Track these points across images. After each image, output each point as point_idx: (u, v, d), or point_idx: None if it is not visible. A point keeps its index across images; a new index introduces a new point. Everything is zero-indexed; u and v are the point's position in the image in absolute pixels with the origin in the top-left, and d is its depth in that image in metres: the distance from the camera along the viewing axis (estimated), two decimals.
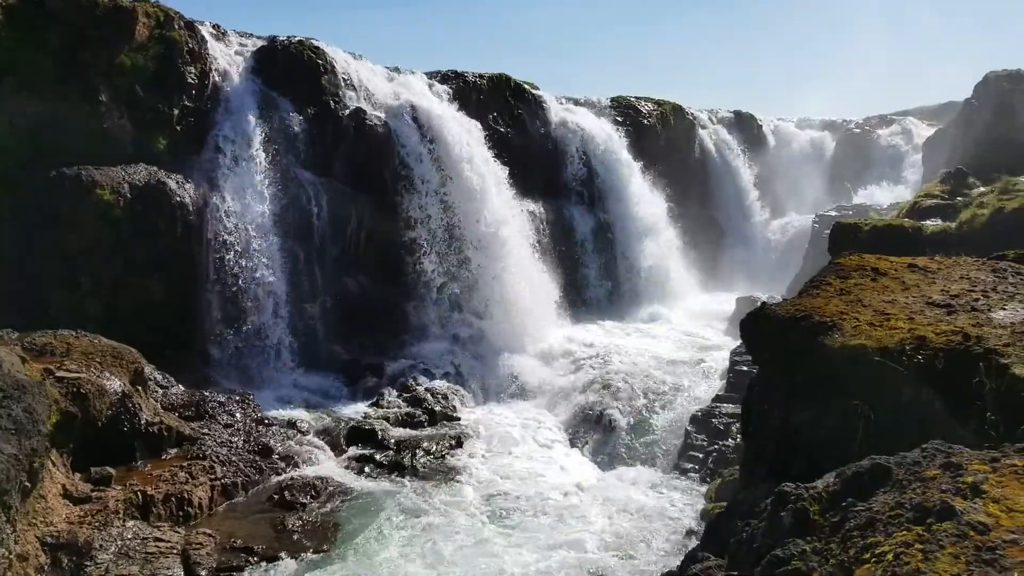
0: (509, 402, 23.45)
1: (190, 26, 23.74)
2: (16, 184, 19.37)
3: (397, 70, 29.93)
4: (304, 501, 15.81)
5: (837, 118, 57.24)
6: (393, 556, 14.06)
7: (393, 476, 17.67)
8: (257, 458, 16.98)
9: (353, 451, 18.71)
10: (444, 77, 31.02)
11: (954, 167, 30.78)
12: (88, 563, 12.38)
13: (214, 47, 24.68)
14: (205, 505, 15.05)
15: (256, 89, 24.81)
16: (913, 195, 32.39)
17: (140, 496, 14.18)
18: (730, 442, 18.35)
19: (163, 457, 15.90)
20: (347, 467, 17.99)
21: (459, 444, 19.55)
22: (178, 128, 22.88)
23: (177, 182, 21.51)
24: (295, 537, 14.51)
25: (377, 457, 18.37)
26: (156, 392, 17.86)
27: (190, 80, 23.27)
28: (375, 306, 25.25)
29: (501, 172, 28.29)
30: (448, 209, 26.69)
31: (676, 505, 16.64)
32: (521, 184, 29.32)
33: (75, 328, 17.09)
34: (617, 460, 19.66)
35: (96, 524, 13.14)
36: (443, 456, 18.83)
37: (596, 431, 21.08)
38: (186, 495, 14.77)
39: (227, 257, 21.98)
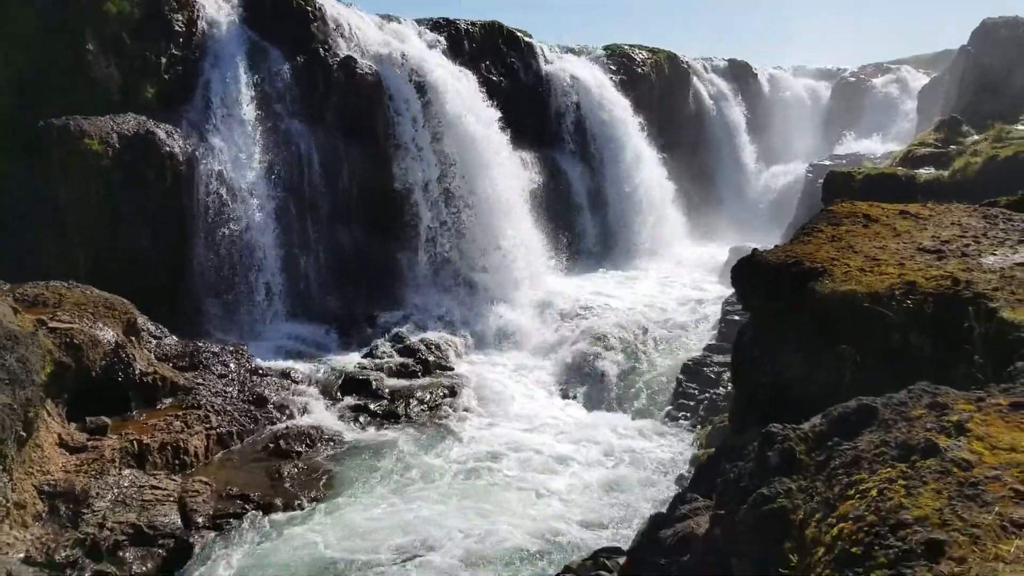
0: (502, 352, 23.56)
1: None
2: (2, 135, 19.14)
3: (388, 17, 29.48)
4: (299, 450, 15.94)
5: (833, 66, 56.79)
6: (387, 504, 14.23)
7: (387, 425, 17.81)
8: (252, 408, 17.07)
9: (347, 401, 18.82)
10: (436, 25, 30.57)
11: (948, 115, 30.64)
12: (85, 511, 12.51)
13: None
14: (201, 454, 15.17)
15: (245, 37, 24.44)
16: (907, 144, 32.27)
17: (136, 445, 14.28)
18: (721, 391, 18.53)
19: (158, 407, 15.98)
20: (341, 417, 18.11)
21: (453, 394, 19.67)
22: (166, 77, 22.57)
23: (167, 132, 21.28)
24: (290, 485, 14.66)
25: (371, 407, 18.49)
26: (149, 343, 17.88)
27: (177, 28, 22.90)
28: (368, 258, 25.20)
29: (494, 121, 28.03)
30: (441, 160, 26.51)
31: (667, 452, 16.84)
32: (514, 134, 29.08)
33: (66, 279, 17.03)
34: (609, 409, 19.83)
35: (92, 473, 13.25)
36: (437, 405, 18.97)
37: (588, 380, 21.24)
38: (182, 444, 14.87)
39: (218, 208, 21.85)
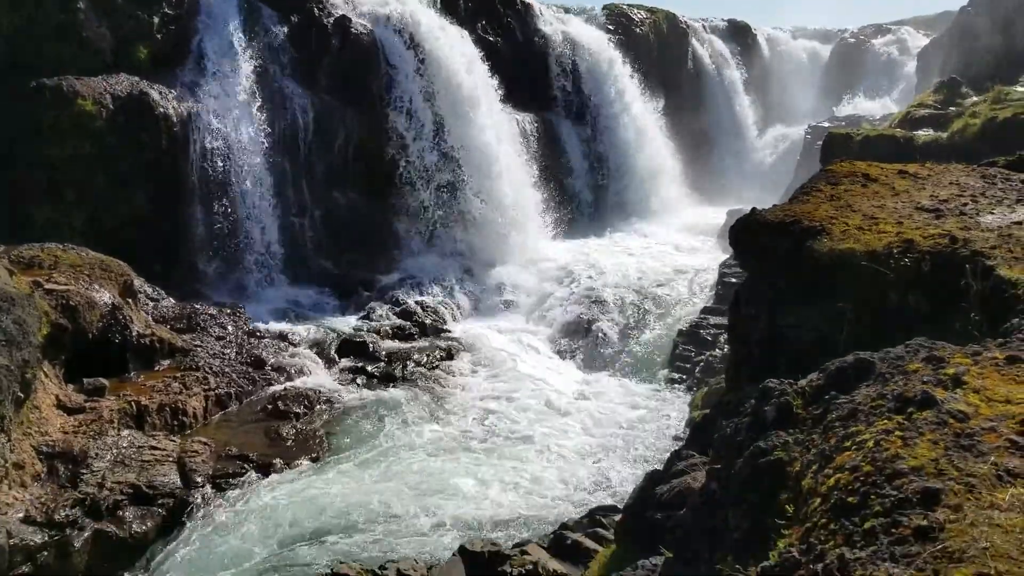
0: (499, 315, 23.59)
1: None
2: None
3: None
4: (297, 411, 16.01)
5: (832, 27, 56.30)
6: (385, 463, 14.33)
7: (384, 387, 17.87)
8: (250, 369, 17.12)
9: (345, 363, 18.87)
10: None
11: (948, 77, 30.43)
12: (84, 471, 12.58)
13: None
14: (199, 415, 15.23)
15: None
16: (907, 106, 32.08)
17: (134, 406, 14.33)
18: (717, 352, 18.60)
19: (156, 368, 16.01)
20: (339, 379, 18.18)
21: (449, 356, 19.73)
22: (159, 37, 22.30)
23: (160, 93, 21.07)
24: (289, 445, 14.75)
25: (368, 369, 18.55)
26: (147, 305, 17.86)
27: None
28: (365, 221, 25.11)
29: (490, 83, 27.79)
30: (437, 121, 26.31)
31: (663, 413, 16.95)
32: (510, 95, 28.86)
33: (61, 241, 16.97)
34: (605, 371, 19.90)
35: (91, 433, 13.31)
36: (434, 368, 19.02)
37: (585, 343, 21.29)
38: (180, 405, 14.93)
39: (213, 170, 21.70)
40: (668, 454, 12.27)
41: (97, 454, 12.94)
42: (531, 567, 8.66)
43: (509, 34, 31.78)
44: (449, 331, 21.70)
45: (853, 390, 4.37)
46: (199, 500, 12.72)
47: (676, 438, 14.99)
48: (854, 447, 3.72)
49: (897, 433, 3.67)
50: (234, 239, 22.12)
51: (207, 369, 16.41)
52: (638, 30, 38.30)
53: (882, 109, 42.34)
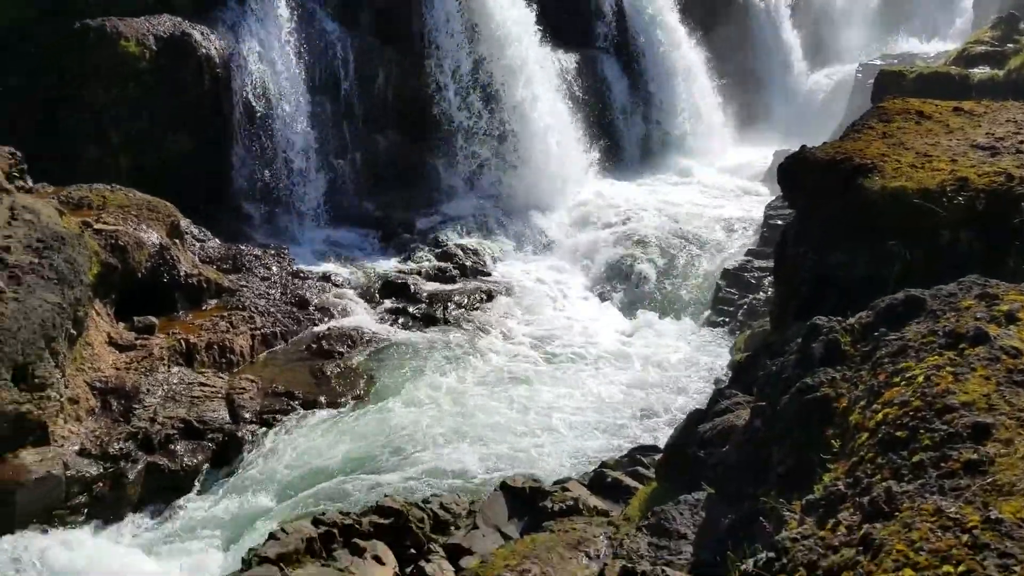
0: (539, 257, 23.51)
1: None
2: (36, 37, 19.07)
3: None
4: (341, 350, 16.24)
5: None
6: (428, 401, 14.53)
7: (425, 328, 18.00)
8: (294, 309, 17.36)
9: (387, 304, 19.02)
10: None
11: (1006, 12, 29.23)
12: (136, 406, 12.96)
13: None
14: (246, 353, 15.53)
15: None
16: (962, 42, 30.93)
17: (183, 344, 14.66)
18: (761, 295, 18.37)
19: (203, 308, 16.30)
20: (381, 319, 18.35)
21: (490, 298, 19.79)
22: None
23: (202, 33, 21.03)
24: (333, 384, 15.01)
25: (410, 310, 18.68)
26: (193, 245, 18.11)
27: None
28: (404, 163, 25.04)
29: (532, 20, 27.28)
30: (477, 62, 25.96)
31: (704, 356, 16.89)
32: (552, 33, 28.31)
33: (108, 183, 17.21)
34: (646, 313, 19.80)
35: (142, 370, 13.67)
36: (474, 309, 19.11)
37: (626, 285, 21.19)
38: (228, 343, 15.23)
39: (256, 111, 21.74)
40: (709, 395, 12.28)
41: (148, 390, 13.31)
42: (571, 503, 8.76)
43: None
44: (489, 273, 21.72)
45: (903, 327, 4.31)
46: (247, 435, 13.06)
47: (717, 380, 14.94)
48: (904, 382, 3.68)
49: (948, 369, 3.62)
50: (276, 181, 22.23)
51: (253, 309, 16.68)
52: None
53: (937, 46, 40.86)
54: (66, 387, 12.45)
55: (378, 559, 8.32)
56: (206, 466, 12.55)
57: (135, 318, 14.87)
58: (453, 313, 18.73)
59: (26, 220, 13.17)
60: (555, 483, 9.74)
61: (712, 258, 22.06)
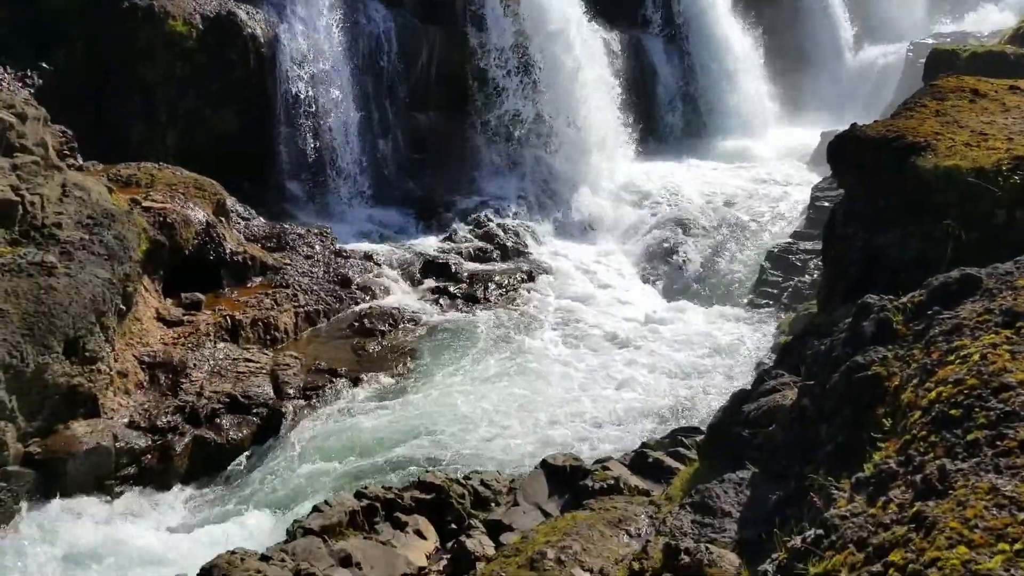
0: (580, 238, 23.42)
1: None
2: (87, 16, 19.37)
3: None
4: (383, 329, 16.37)
5: None
6: (466, 382, 14.60)
7: (466, 308, 18.06)
8: (337, 288, 17.52)
9: (428, 283, 19.11)
10: None
11: None
12: (183, 380, 13.20)
13: None
14: (290, 330, 15.73)
15: None
16: (1018, 20, 30.03)
17: (229, 320, 14.89)
18: (807, 278, 18.10)
19: (248, 285, 16.52)
20: (422, 298, 18.44)
21: (531, 278, 19.77)
22: None
23: (248, 13, 21.21)
24: (375, 361, 15.15)
25: (451, 289, 18.75)
26: (238, 223, 18.34)
27: None
28: (446, 142, 25.05)
29: (578, 1, 27.04)
30: (521, 40, 25.81)
31: (748, 338, 16.71)
32: (597, 12, 28.04)
33: (155, 161, 17.48)
34: (688, 295, 19.66)
35: (189, 345, 13.91)
36: (515, 289, 19.11)
37: (668, 267, 21.03)
38: (272, 320, 15.43)
39: (299, 90, 21.89)
40: (752, 377, 12.16)
41: (195, 364, 13.55)
42: (612, 482, 8.75)
43: None
44: (530, 253, 21.68)
45: (957, 305, 4.21)
46: (291, 410, 13.23)
47: (760, 364, 14.77)
48: (958, 361, 3.59)
49: (1004, 347, 3.53)
50: (320, 160, 22.40)
51: (296, 287, 16.86)
52: None
53: (991, 24, 39.69)
54: (116, 361, 12.72)
55: (419, 533, 8.41)
56: (251, 440, 12.76)
57: (182, 294, 15.13)
58: (494, 293, 18.76)
59: (77, 197, 13.43)
60: (596, 462, 9.72)
61: (756, 240, 21.79)
